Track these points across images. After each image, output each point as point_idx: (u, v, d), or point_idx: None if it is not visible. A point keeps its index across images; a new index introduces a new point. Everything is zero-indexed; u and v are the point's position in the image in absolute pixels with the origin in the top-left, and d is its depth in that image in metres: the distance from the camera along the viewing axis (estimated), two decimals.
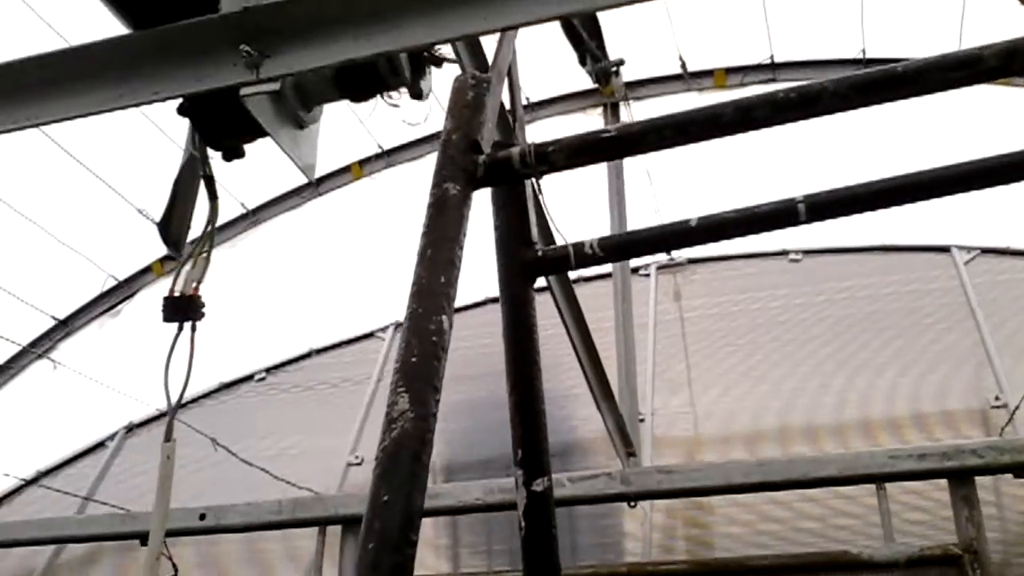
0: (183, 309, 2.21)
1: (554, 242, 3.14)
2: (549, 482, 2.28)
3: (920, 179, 2.14)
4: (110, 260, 6.89)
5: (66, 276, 6.99)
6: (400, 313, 8.16)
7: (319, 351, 7.66)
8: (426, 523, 5.71)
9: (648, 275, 6.74)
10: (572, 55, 5.77)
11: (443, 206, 1.90)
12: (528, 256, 2.35)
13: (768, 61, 6.11)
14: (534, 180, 2.08)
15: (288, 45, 2.11)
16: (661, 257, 6.88)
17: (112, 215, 6.44)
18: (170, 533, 5.56)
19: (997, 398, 5.46)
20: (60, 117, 2.33)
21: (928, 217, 5.88)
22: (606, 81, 5.90)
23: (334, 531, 5.35)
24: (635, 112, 6.04)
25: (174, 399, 2.14)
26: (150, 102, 2.27)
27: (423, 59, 2.35)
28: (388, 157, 6.55)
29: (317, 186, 6.66)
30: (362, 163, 6.61)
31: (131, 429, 7.62)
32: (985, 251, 6.40)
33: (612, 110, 6.02)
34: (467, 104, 2.09)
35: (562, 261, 2.38)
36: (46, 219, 6.43)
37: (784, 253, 6.70)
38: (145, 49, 2.24)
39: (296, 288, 7.45)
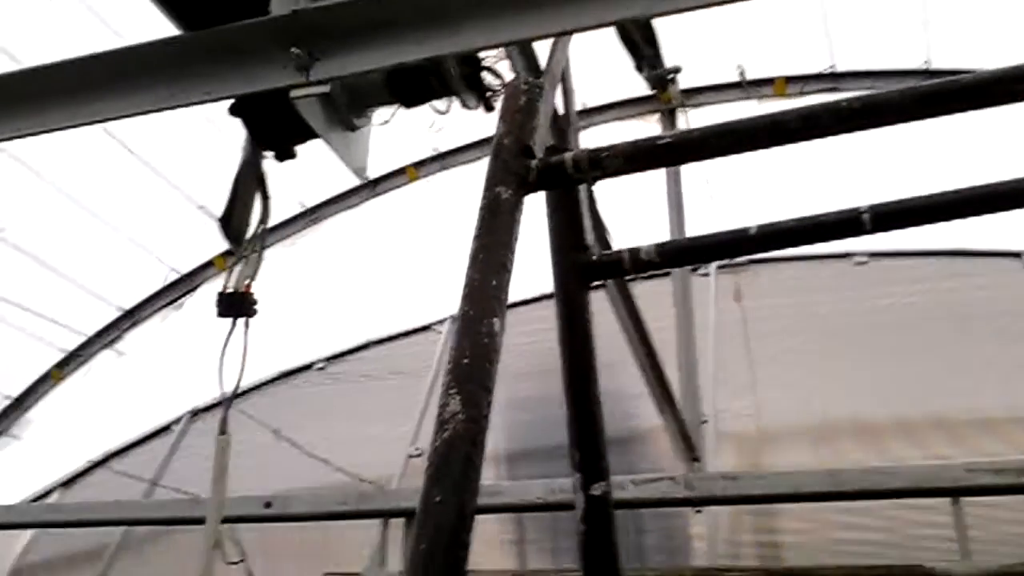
0: (236, 306, 2.24)
1: (609, 246, 3.12)
2: (607, 486, 2.27)
3: (989, 192, 2.08)
4: (172, 254, 7.04)
5: (131, 269, 7.18)
6: (455, 308, 8.22)
7: (377, 342, 7.68)
8: (490, 519, 5.76)
9: (708, 275, 6.63)
10: (629, 61, 5.73)
11: (495, 210, 1.90)
12: (582, 260, 2.34)
13: (829, 70, 5.99)
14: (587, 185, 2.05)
15: (339, 47, 2.13)
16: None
17: (174, 211, 6.59)
18: (237, 520, 5.72)
19: None
20: (115, 115, 2.38)
21: (995, 221, 5.70)
22: (663, 88, 5.85)
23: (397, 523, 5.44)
24: (692, 119, 5.97)
25: (228, 393, 2.17)
26: (201, 102, 2.31)
27: (478, 70, 2.35)
28: (442, 160, 6.59)
29: (374, 187, 6.72)
30: (417, 165, 6.67)
31: (196, 414, 7.72)
32: None
33: (669, 117, 5.98)
34: (519, 109, 2.08)
35: (617, 266, 2.35)
36: (110, 214, 6.60)
37: (849, 256, 6.54)
38: (197, 50, 2.27)
39: (354, 284, 7.51)
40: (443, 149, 6.57)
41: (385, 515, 5.50)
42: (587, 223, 2.19)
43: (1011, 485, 4.31)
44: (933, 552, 4.65)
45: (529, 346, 6.84)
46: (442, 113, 2.56)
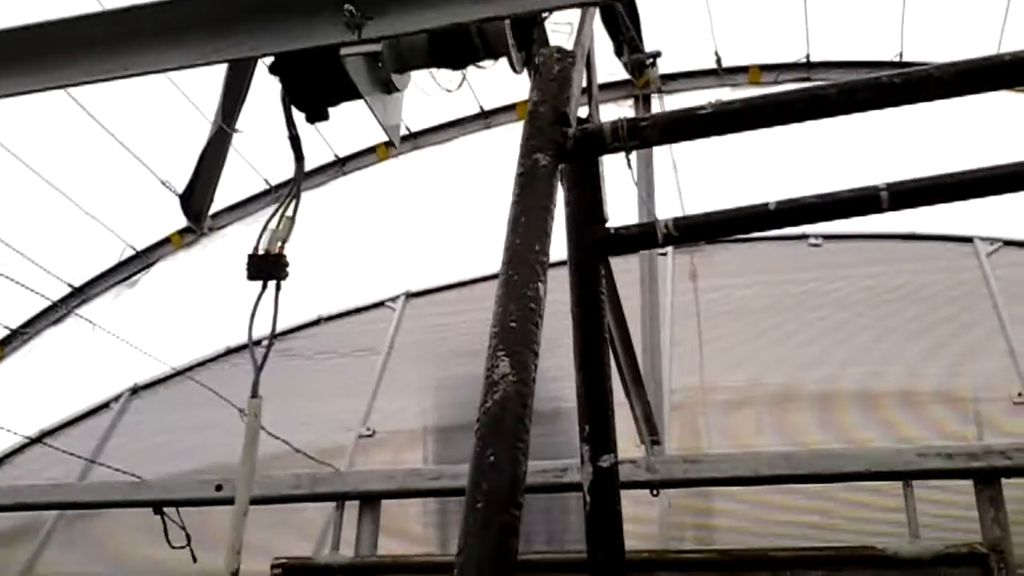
0: (268, 268, 2.19)
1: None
2: (615, 458, 2.29)
3: (1001, 173, 2.15)
4: (129, 230, 6.86)
5: (84, 243, 6.96)
6: (411, 284, 8.14)
7: (328, 318, 7.57)
8: (452, 502, 5.75)
9: (665, 254, 6.66)
10: (605, 46, 5.75)
11: (533, 175, 1.89)
12: (601, 234, 2.35)
13: (804, 60, 6.09)
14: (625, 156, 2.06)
15: (391, 7, 2.09)
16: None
17: (134, 184, 6.41)
18: (186, 503, 5.62)
19: (1020, 394, 5.45)
20: (160, 68, 2.31)
21: (949, 207, 5.84)
22: (640, 72, 5.88)
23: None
24: (667, 105, 6.02)
25: (259, 358, 2.13)
26: (249, 58, 2.26)
27: (530, 32, 2.32)
28: (414, 140, 6.53)
29: (342, 165, 6.65)
30: (388, 144, 6.58)
31: (136, 391, 7.54)
32: (1008, 243, 6.35)
33: (644, 102, 6.00)
34: (554, 77, 2.08)
35: (637, 240, 2.38)
36: (66, 184, 6.39)
37: (804, 237, 6.64)
38: (248, 4, 2.21)
39: (309, 260, 7.40)
40: (416, 128, 6.51)
41: (340, 498, 5.45)
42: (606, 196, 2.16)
43: (960, 469, 4.47)
44: (886, 533, 4.77)
45: (468, 325, 6.87)
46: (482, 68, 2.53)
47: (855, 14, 5.86)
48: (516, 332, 1.63)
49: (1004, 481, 4.46)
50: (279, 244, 2.19)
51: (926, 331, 6.00)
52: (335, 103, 2.22)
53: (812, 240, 6.60)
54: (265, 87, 5.67)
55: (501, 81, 6.38)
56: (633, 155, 5.27)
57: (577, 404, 2.33)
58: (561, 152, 1.95)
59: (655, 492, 4.95)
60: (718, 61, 6.13)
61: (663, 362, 5.38)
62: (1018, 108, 5.58)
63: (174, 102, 5.60)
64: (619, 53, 5.68)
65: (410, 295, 7.43)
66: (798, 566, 4.33)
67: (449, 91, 2.76)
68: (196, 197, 6.00)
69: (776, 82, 6.01)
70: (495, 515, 1.41)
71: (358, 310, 7.56)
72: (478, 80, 6.39)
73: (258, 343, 7.44)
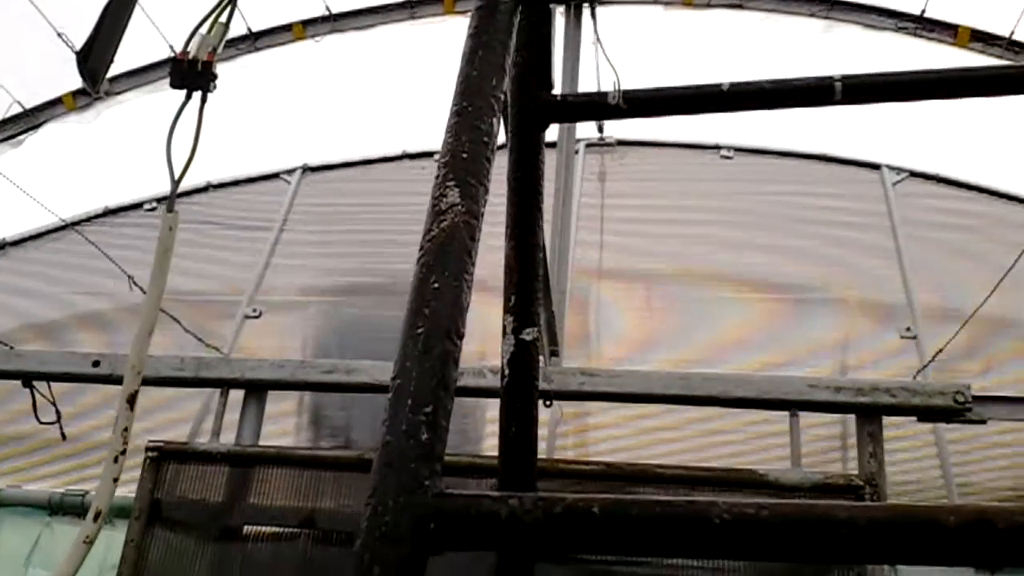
0: (194, 76, 2.00)
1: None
2: (538, 332, 2.21)
3: (954, 76, 2.13)
4: (17, 83, 6.37)
5: None
6: (308, 158, 7.85)
7: (218, 186, 7.14)
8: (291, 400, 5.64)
9: (576, 152, 6.58)
10: None
11: (493, 9, 1.76)
12: (547, 99, 2.25)
13: None
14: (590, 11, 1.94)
15: None
16: (591, 134, 6.71)
17: (26, 33, 5.95)
18: (60, 378, 5.35)
19: (908, 329, 5.62)
20: None
21: (863, 132, 5.97)
22: None
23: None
24: (600, 16, 5.88)
25: (177, 172, 1.96)
26: None
27: None
28: (335, 21, 6.24)
29: (255, 40, 6.31)
30: (306, 23, 6.29)
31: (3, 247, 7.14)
32: (914, 174, 6.44)
33: (575, 11, 5.84)
34: None
35: (583, 108, 2.29)
36: None
37: (716, 148, 6.62)
38: None
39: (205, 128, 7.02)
40: (336, 10, 6.21)
41: (225, 384, 5.28)
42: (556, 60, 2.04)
43: (845, 403, 4.61)
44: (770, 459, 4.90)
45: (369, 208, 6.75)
46: None
47: None
48: (467, 163, 1.52)
49: (885, 419, 4.63)
50: (209, 50, 2.00)
51: (827, 252, 6.05)
52: None
53: (724, 152, 6.58)
54: None
55: None
56: (559, 24, 5.12)
57: (505, 273, 2.24)
58: None
59: (548, 403, 4.95)
60: None
61: (568, 270, 5.33)
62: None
63: None
64: None
65: (307, 169, 7.11)
66: (683, 484, 4.41)
67: None
68: (95, 56, 5.60)
69: (708, 5, 5.93)
70: (436, 341, 1.31)
71: (250, 180, 7.20)
72: None
73: (138, 206, 7.00)
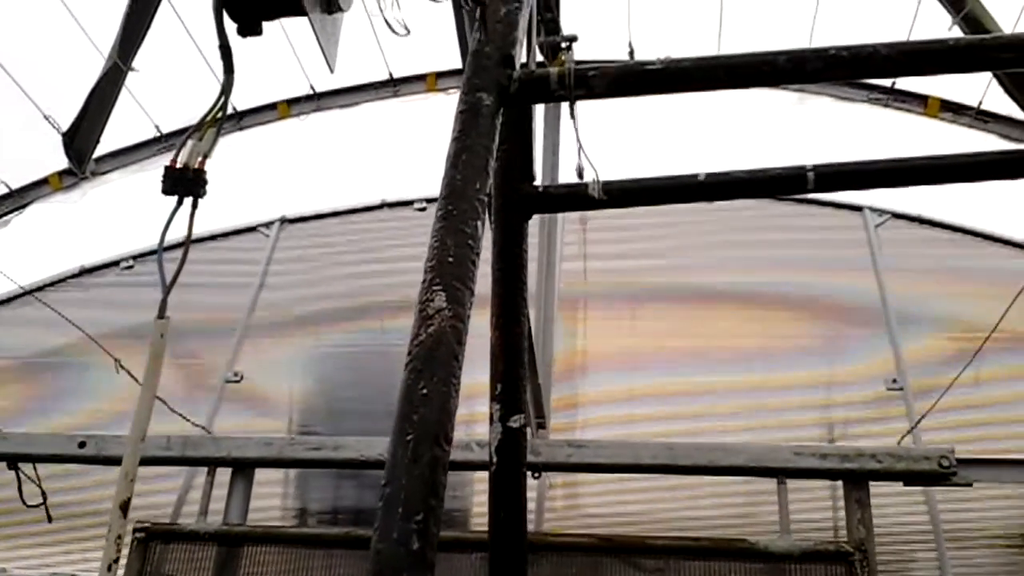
0: (186, 183, 2.04)
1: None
2: (525, 419, 2.25)
3: (921, 164, 2.20)
4: (3, 164, 6.41)
5: None
6: (286, 209, 7.64)
7: (195, 240, 6.93)
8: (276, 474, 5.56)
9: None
10: None
11: (476, 114, 1.83)
12: (529, 191, 2.31)
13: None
14: (569, 107, 2.01)
15: None
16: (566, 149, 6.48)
17: (14, 115, 6.01)
18: (47, 459, 5.31)
19: (895, 381, 5.57)
20: None
21: (853, 143, 5.96)
22: (555, 55, 5.82)
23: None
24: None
25: (168, 277, 1.99)
26: None
27: None
28: (319, 100, 6.33)
29: (239, 120, 6.39)
30: (291, 102, 6.38)
31: None
32: (897, 216, 6.35)
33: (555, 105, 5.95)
34: (500, 19, 2.02)
35: (565, 200, 2.34)
36: None
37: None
38: None
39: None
40: (320, 89, 6.30)
41: (212, 463, 5.26)
42: (538, 154, 2.11)
43: (832, 470, 4.63)
44: (759, 527, 4.88)
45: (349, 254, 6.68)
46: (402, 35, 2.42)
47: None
48: (453, 267, 1.57)
49: (872, 484, 4.65)
50: (200, 159, 2.04)
51: (810, 296, 6.00)
52: (271, 17, 2.08)
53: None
54: (166, 26, 5.42)
55: (412, 51, 6.31)
56: (539, 115, 5.19)
57: (491, 362, 2.28)
58: (504, 95, 1.89)
59: (536, 475, 4.96)
60: (631, 54, 6.14)
61: (553, 344, 5.34)
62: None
63: (66, 30, 5.28)
64: (536, 33, 5.60)
65: (285, 220, 6.94)
66: (675, 554, 4.40)
67: (397, 34, 2.64)
68: (81, 137, 5.68)
69: None
70: (425, 448, 1.34)
71: (227, 234, 6.97)
72: (390, 47, 6.32)
73: (115, 264, 6.88)
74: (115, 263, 7.00)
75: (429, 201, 6.56)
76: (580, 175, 1.99)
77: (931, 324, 5.86)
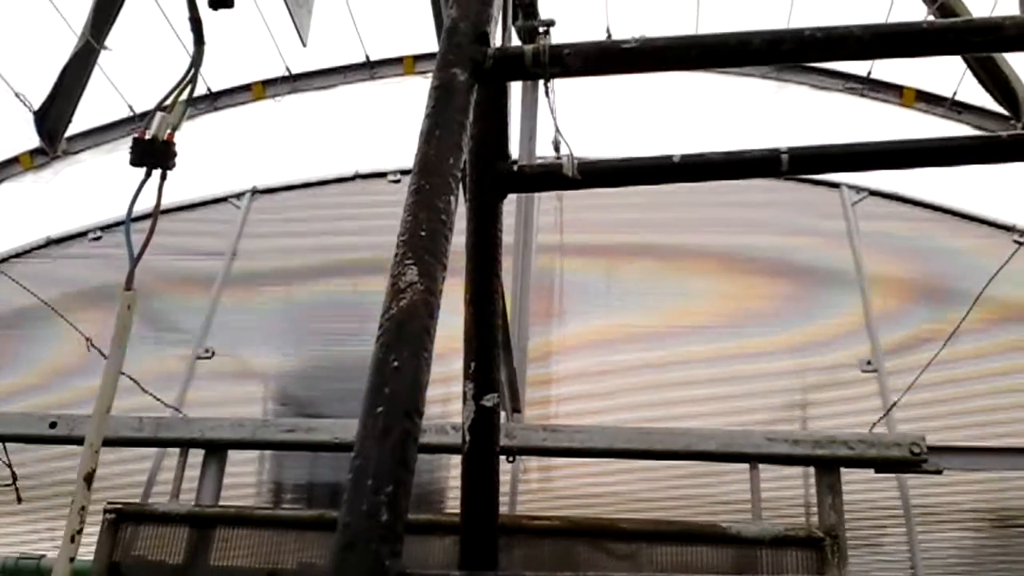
0: (155, 154, 2.01)
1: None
2: (498, 399, 2.24)
3: (896, 148, 2.22)
4: None
5: None
6: (257, 180, 7.49)
7: (164, 212, 6.76)
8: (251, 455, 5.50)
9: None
10: None
11: (450, 90, 1.82)
12: (504, 170, 2.30)
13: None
14: (544, 84, 2.00)
15: None
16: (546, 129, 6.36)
17: None
18: (17, 439, 5.26)
19: (869, 363, 5.58)
20: None
21: (830, 131, 5.97)
22: (532, 39, 5.81)
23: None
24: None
25: (136, 249, 1.97)
26: None
27: None
28: (294, 82, 6.28)
29: (214, 100, 6.34)
30: (266, 83, 6.32)
31: None
32: (874, 193, 6.30)
33: (532, 82, 5.92)
34: None
35: (539, 180, 2.33)
36: None
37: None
38: None
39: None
40: (296, 71, 6.26)
41: (185, 444, 5.23)
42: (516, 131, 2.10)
43: (804, 456, 4.66)
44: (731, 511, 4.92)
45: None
46: None
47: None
48: (425, 241, 1.56)
49: (843, 470, 4.69)
50: (169, 130, 2.02)
51: (786, 274, 5.97)
52: None
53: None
54: (139, 4, 5.36)
55: (389, 34, 6.28)
56: (516, 93, 5.16)
57: (464, 340, 2.28)
58: (478, 71, 1.88)
59: (511, 459, 4.97)
60: (608, 36, 6.14)
61: (528, 329, 5.35)
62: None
63: (38, 7, 5.22)
64: (513, 18, 5.60)
65: (257, 191, 6.76)
66: (647, 539, 4.42)
67: None
68: (53, 116, 5.65)
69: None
70: (396, 421, 1.34)
71: (195, 205, 6.78)
72: (367, 30, 6.28)
73: (83, 235, 6.74)
74: (82, 234, 6.79)
75: (403, 173, 6.45)
76: (556, 148, 1.98)
77: (907, 302, 5.84)
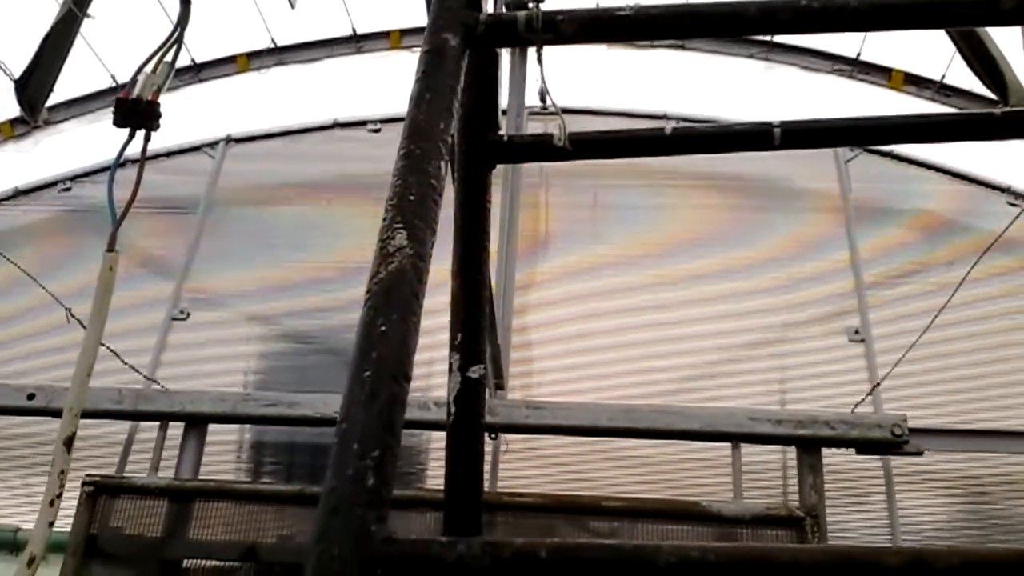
0: (139, 115, 1.97)
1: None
2: (484, 370, 2.22)
3: (887, 123, 2.21)
4: None
5: None
6: (234, 127, 7.24)
7: (133, 161, 6.47)
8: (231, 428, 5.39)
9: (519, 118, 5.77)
10: None
11: (441, 54, 1.78)
12: (493, 139, 2.27)
13: None
14: (536, 51, 1.97)
15: None
16: (534, 103, 5.96)
17: None
18: None
19: (857, 332, 5.49)
20: None
21: (813, 108, 5.92)
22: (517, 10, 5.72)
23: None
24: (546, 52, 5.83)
25: (119, 210, 1.94)
26: None
27: None
28: (280, 54, 6.20)
29: (197, 72, 6.26)
30: (251, 55, 6.24)
31: None
32: (868, 151, 6.01)
33: (521, 52, 5.85)
34: None
35: (529, 150, 2.31)
36: None
37: (664, 117, 6.01)
38: None
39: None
40: (281, 43, 6.17)
41: (165, 418, 5.21)
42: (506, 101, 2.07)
43: (786, 436, 4.69)
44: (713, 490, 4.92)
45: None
46: None
47: None
48: (414, 205, 1.53)
49: (824, 451, 4.71)
50: (153, 91, 1.98)
51: (776, 237, 5.85)
52: None
53: (672, 123, 5.95)
54: None
55: (376, 7, 6.22)
56: (505, 60, 5.10)
57: (451, 310, 2.25)
58: (470, 36, 1.85)
59: (494, 436, 4.97)
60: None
61: (512, 306, 5.31)
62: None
63: None
64: None
65: (231, 140, 6.47)
66: (628, 516, 4.44)
67: None
68: (34, 85, 5.55)
69: (652, 46, 5.99)
70: (383, 385, 1.31)
71: (167, 154, 6.43)
72: (354, 2, 6.21)
73: (52, 186, 6.55)
74: (51, 184, 6.53)
75: (384, 122, 6.28)
76: (543, 99, 1.95)
77: (898, 264, 5.77)
